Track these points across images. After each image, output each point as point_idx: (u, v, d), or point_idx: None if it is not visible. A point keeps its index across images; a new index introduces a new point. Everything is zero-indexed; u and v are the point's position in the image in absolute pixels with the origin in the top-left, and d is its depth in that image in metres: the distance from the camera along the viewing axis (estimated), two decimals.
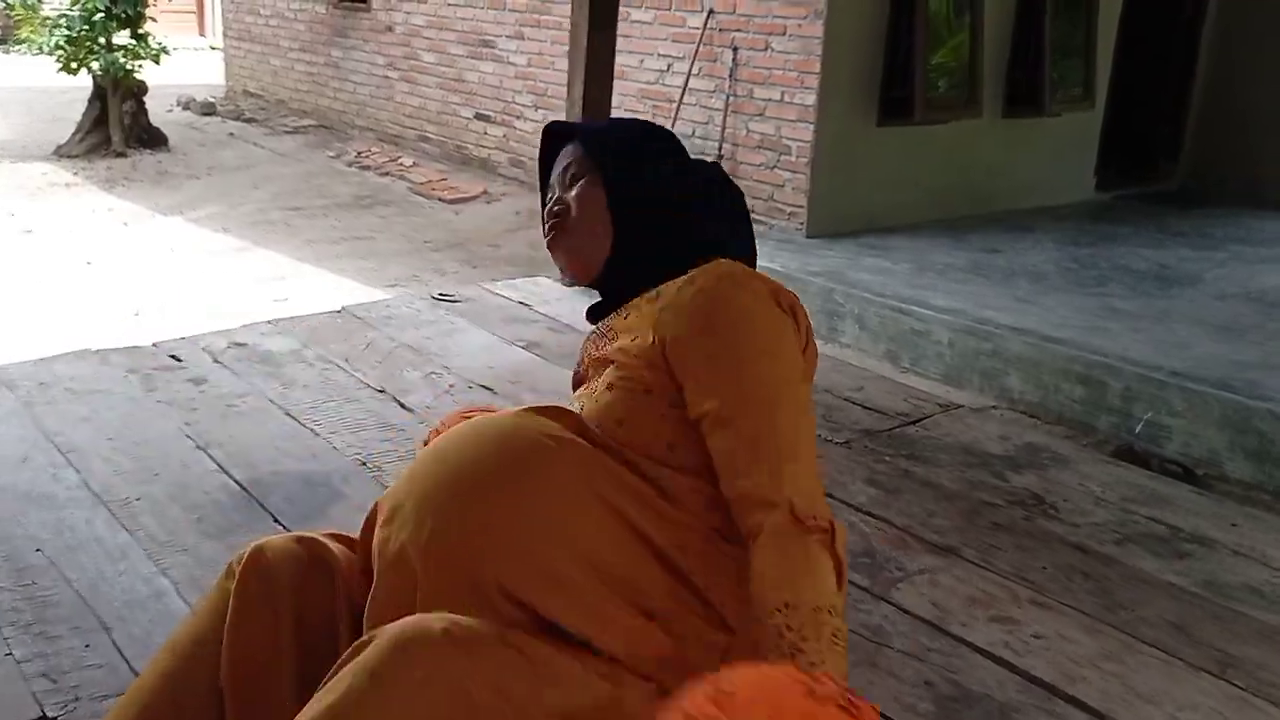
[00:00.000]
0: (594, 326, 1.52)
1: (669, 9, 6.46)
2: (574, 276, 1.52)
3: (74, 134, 9.05)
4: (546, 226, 1.51)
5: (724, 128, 6.19)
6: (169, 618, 2.02)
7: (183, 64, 11.52)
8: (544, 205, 1.55)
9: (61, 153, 8.86)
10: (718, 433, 1.26)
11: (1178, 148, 7.67)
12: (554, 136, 1.57)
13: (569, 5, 7.23)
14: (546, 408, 1.35)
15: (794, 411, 1.28)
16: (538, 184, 1.59)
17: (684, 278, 1.38)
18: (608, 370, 1.38)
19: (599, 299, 1.55)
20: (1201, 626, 2.21)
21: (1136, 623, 2.20)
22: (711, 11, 6.19)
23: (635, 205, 1.46)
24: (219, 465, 2.65)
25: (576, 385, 1.53)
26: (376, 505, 1.36)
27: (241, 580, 1.36)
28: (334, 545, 1.41)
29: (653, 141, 1.53)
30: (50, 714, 1.75)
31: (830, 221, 5.83)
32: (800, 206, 5.86)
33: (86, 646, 1.93)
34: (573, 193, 1.48)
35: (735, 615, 1.24)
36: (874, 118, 5.90)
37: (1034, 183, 6.79)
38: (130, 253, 6.20)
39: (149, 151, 9.05)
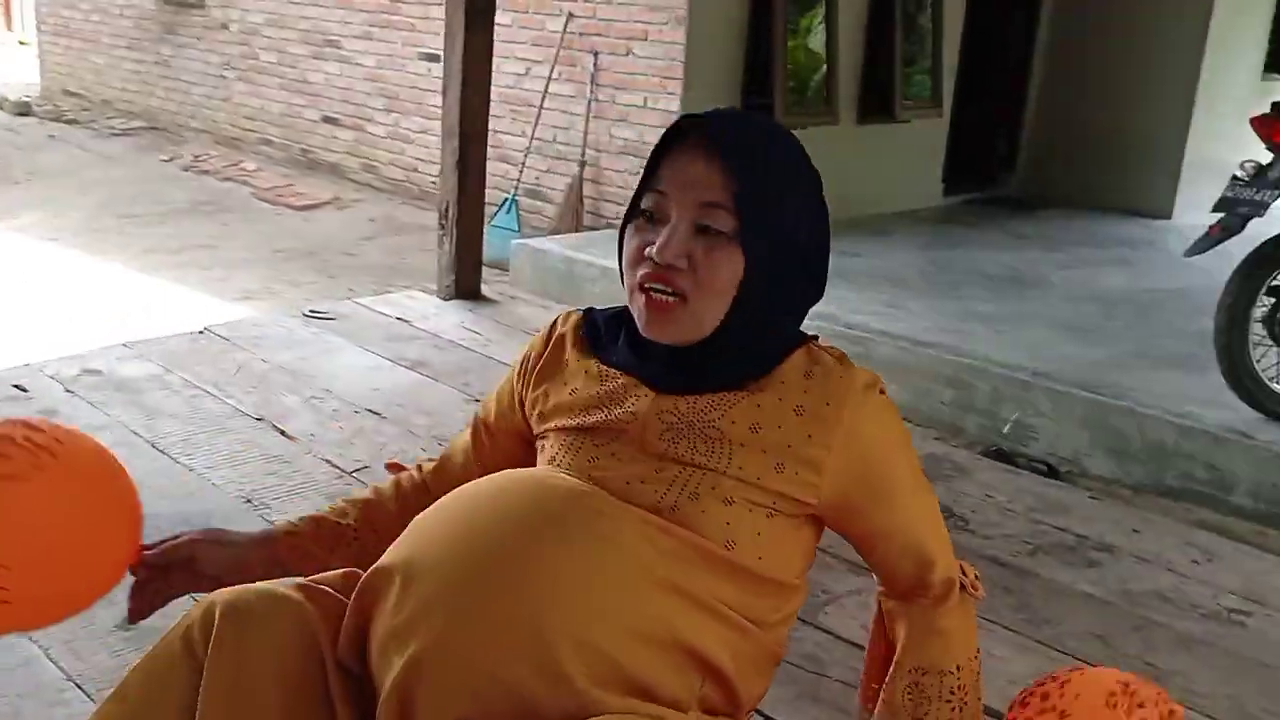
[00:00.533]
0: (661, 397, 1.22)
1: (527, 12, 6.33)
2: (659, 338, 1.21)
3: None
4: (651, 273, 1.18)
5: (586, 133, 6.10)
6: (42, 689, 1.81)
7: None
8: (638, 198, 1.22)
9: None
10: (883, 541, 1.30)
11: (1015, 154, 7.98)
12: (684, 131, 1.19)
13: (418, 6, 7.08)
14: (596, 495, 1.14)
15: (929, 487, 1.35)
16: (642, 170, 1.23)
17: (821, 388, 1.23)
18: (727, 484, 1.17)
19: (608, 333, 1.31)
20: (1123, 638, 2.23)
21: (1063, 637, 2.21)
22: (571, 16, 6.09)
23: (769, 279, 1.19)
24: None
25: (572, 429, 1.26)
26: (378, 577, 1.12)
27: (219, 659, 1.07)
28: (307, 603, 1.14)
29: (803, 182, 1.23)
30: None
31: None
32: None
33: None
34: (702, 251, 1.17)
35: (745, 691, 1.21)
36: None
37: (888, 188, 6.92)
38: None
39: None
